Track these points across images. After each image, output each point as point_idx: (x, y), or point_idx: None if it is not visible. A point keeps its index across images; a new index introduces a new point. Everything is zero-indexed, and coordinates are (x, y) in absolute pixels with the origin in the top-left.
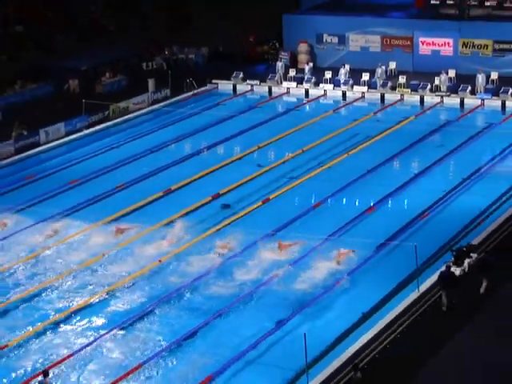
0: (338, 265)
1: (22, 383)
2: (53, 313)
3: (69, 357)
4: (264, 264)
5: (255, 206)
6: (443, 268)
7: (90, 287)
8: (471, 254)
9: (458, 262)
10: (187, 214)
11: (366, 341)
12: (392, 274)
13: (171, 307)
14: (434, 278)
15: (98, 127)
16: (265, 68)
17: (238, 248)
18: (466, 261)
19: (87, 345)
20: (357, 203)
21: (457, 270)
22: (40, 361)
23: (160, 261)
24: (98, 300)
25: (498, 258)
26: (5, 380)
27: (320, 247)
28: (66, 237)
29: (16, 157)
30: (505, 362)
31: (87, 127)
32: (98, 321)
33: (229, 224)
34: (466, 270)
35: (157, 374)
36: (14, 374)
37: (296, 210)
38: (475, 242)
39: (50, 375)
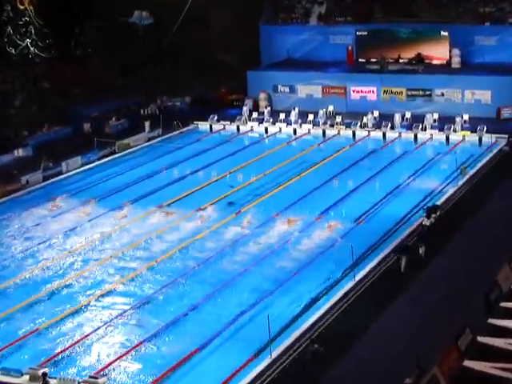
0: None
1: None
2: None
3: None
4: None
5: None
6: (398, 241)
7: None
8: (437, 211)
9: (428, 217)
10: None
11: (318, 316)
12: (335, 266)
13: (221, 259)
14: (367, 269)
15: (106, 159)
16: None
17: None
18: (433, 216)
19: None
20: (307, 213)
21: (427, 222)
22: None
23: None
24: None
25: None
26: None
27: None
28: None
29: (44, 183)
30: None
31: (98, 159)
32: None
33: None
34: (433, 221)
35: None
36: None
37: (260, 220)
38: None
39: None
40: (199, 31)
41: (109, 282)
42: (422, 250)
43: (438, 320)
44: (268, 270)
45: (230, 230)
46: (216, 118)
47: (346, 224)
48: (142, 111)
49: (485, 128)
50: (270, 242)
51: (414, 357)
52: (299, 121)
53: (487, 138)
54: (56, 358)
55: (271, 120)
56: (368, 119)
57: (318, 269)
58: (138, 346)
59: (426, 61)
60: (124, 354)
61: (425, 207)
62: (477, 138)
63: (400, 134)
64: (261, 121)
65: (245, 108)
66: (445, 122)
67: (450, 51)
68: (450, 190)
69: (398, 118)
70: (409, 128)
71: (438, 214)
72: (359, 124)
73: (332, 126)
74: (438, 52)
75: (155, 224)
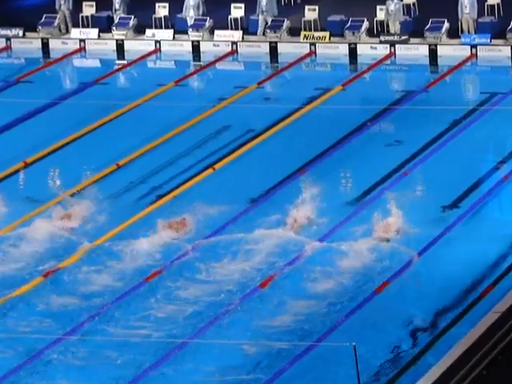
0: None
1: None
2: None
3: None
4: None
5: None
6: None
7: None
8: None
9: None
10: None
11: None
12: None
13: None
14: None
15: None
16: None
17: None
18: None
19: None
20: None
21: None
22: None
23: None
24: None
25: None
26: None
27: None
28: None
29: None
30: None
31: None
32: None
33: None
34: None
35: None
36: None
37: None
38: None
39: None
40: None
41: None
42: None
43: None
44: None
45: None
46: None
47: (344, 290)
48: None
49: None
50: None
51: None
52: (207, 22)
53: None
54: None
55: (133, 22)
56: (389, 13)
57: None
58: None
59: None
60: None
61: None
62: None
63: (474, 47)
64: (105, 24)
65: None
66: None
67: None
68: None
69: (468, 5)
70: (496, 33)
71: None
72: (366, 26)
73: (294, 33)
74: None
75: None
